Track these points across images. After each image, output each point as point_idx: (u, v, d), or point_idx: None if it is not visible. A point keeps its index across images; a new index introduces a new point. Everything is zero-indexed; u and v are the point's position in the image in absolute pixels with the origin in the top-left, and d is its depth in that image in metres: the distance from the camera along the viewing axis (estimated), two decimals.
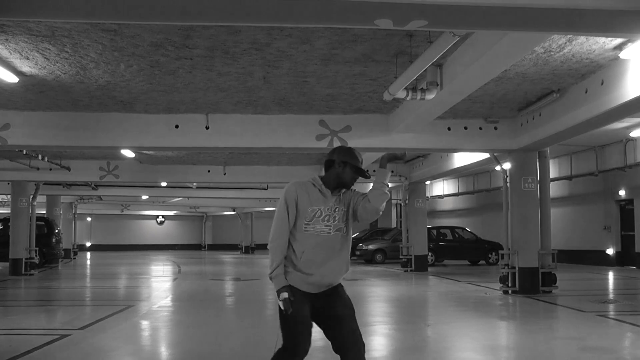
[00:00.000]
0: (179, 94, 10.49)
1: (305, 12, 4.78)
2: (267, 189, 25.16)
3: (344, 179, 3.84)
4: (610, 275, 18.03)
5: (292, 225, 3.75)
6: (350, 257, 3.99)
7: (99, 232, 45.41)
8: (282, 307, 3.67)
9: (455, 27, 5.91)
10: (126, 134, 12.13)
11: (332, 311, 3.77)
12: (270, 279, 3.74)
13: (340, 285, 3.89)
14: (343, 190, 3.88)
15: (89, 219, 44.14)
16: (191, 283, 17.24)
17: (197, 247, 47.59)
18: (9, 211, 20.74)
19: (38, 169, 18.13)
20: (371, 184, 3.89)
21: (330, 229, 3.75)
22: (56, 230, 24.46)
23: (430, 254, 22.45)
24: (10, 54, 8.13)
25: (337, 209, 3.81)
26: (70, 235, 30.60)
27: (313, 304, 3.79)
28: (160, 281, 18.59)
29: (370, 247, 26.22)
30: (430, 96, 8.72)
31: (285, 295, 3.65)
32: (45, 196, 25.24)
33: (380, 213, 3.87)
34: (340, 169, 3.84)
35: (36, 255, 19.99)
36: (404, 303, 12.50)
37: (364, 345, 3.78)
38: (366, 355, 3.83)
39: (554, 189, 16.27)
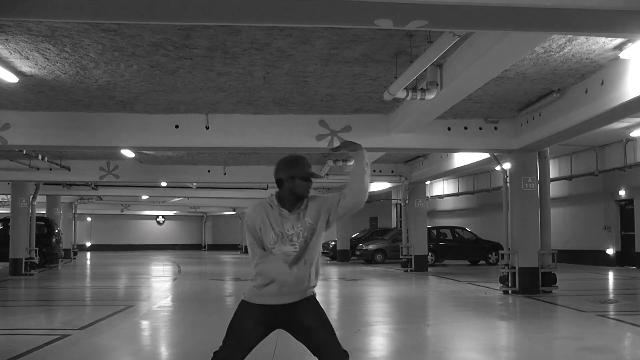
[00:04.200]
0: (179, 94, 10.49)
1: (305, 12, 4.79)
2: (267, 189, 25.13)
3: (299, 191, 3.69)
4: (610, 275, 18.02)
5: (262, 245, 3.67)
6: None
7: (98, 232, 45.41)
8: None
9: (455, 27, 5.92)
10: (126, 134, 12.14)
11: (301, 323, 3.68)
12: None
13: (311, 297, 3.75)
14: (304, 204, 3.71)
15: (89, 219, 44.14)
16: (191, 283, 17.24)
17: (197, 247, 47.61)
18: (9, 211, 20.73)
19: (38, 169, 18.13)
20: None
21: (296, 247, 3.62)
22: (56, 230, 24.47)
23: (430, 254, 22.43)
24: (10, 54, 8.13)
25: (299, 225, 3.65)
26: (70, 235, 30.58)
27: (275, 317, 3.67)
28: (160, 281, 18.59)
29: (370, 247, 26.19)
30: (430, 96, 8.72)
31: None
32: (45, 196, 25.23)
33: (367, 192, 3.68)
34: (291, 184, 3.71)
35: (36, 255, 19.98)
36: (404, 303, 12.48)
37: (344, 353, 3.63)
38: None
39: (554, 189, 16.27)
